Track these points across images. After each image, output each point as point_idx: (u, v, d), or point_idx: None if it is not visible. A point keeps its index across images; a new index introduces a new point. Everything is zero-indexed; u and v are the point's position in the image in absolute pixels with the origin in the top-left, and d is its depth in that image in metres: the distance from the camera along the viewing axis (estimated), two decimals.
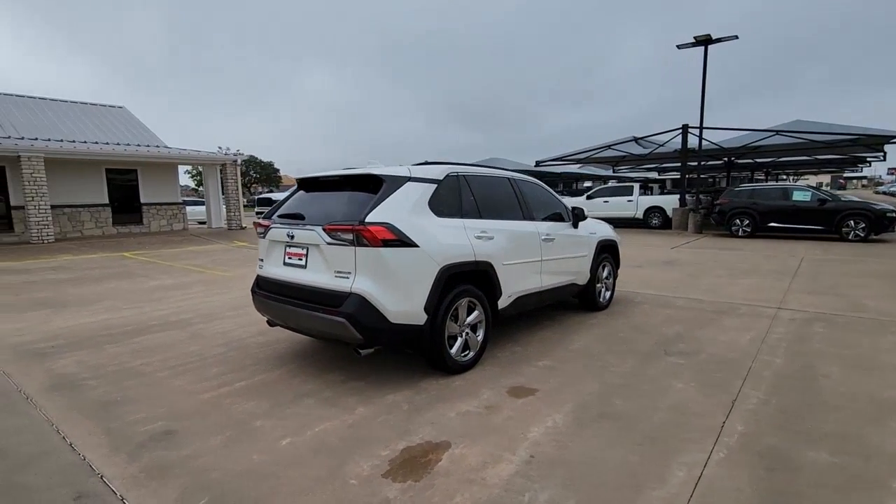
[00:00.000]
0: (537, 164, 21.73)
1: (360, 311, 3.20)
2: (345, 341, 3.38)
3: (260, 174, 68.18)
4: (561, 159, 20.64)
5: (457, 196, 3.90)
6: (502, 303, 4.12)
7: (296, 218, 3.75)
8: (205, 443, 2.74)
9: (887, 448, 2.59)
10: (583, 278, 5.34)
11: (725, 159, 21.65)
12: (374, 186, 3.54)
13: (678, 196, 17.26)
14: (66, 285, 7.81)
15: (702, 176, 19.78)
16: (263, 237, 3.96)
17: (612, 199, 18.96)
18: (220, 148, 62.95)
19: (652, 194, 19.36)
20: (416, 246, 3.36)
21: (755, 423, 2.87)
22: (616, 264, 6.06)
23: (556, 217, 5.05)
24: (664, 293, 6.59)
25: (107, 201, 16.38)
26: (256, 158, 66.93)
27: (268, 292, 3.85)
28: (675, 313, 5.53)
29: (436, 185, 3.75)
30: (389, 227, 3.27)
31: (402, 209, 3.44)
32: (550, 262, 4.71)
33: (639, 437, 2.73)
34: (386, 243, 3.23)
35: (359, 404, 3.21)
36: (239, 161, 18.31)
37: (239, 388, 3.53)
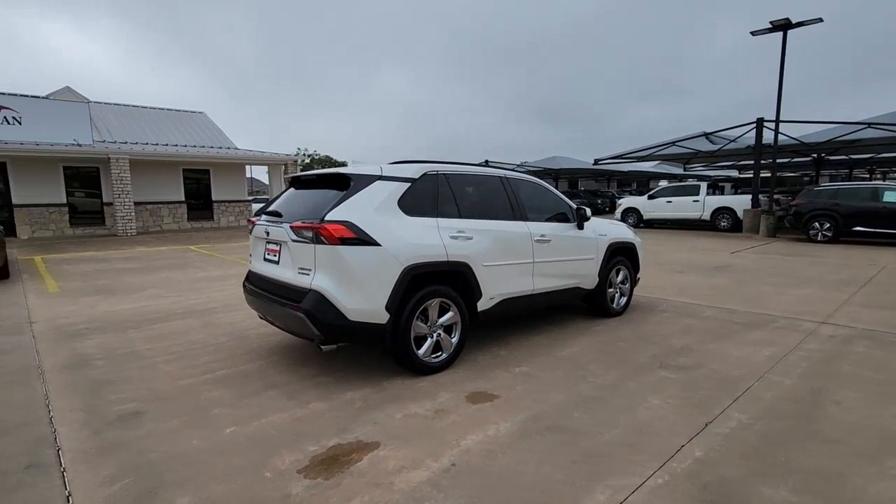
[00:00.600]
0: (596, 162, 20.88)
1: (318, 307, 3.26)
2: (306, 337, 3.46)
3: None
4: (621, 157, 19.67)
5: (433, 195, 3.84)
6: (483, 305, 4.01)
7: (275, 215, 3.89)
8: (161, 425, 2.92)
9: (868, 492, 2.21)
10: (589, 282, 5.05)
11: (814, 156, 19.53)
12: (344, 185, 3.58)
13: (751, 196, 15.84)
14: (127, 274, 8.66)
15: (789, 174, 18.04)
16: (251, 233, 4.15)
17: (675, 200, 17.79)
18: (298, 149, 66.37)
19: (723, 194, 17.94)
20: (378, 245, 3.36)
21: (719, 450, 2.57)
22: (635, 268, 5.68)
23: (558, 218, 4.83)
24: (697, 301, 6.08)
25: (183, 198, 17.99)
26: (332, 158, 70.09)
27: (253, 286, 4.03)
28: (695, 323, 5.08)
29: (409, 184, 3.72)
30: (349, 226, 3.29)
31: (367, 208, 3.45)
32: (546, 264, 4.51)
33: (579, 454, 2.55)
34: (344, 241, 3.26)
35: (316, 399, 3.27)
36: (298, 161, 19.28)
37: (218, 376, 3.73)
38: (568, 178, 40.20)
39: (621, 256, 5.46)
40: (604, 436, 2.74)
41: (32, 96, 14.63)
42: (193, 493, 2.23)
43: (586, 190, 35.67)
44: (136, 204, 16.16)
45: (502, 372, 3.75)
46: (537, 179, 4.88)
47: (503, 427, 2.85)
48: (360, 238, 3.31)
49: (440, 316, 3.75)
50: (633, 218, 18.87)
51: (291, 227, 3.46)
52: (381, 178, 3.63)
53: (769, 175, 15.98)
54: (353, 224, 3.31)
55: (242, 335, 4.78)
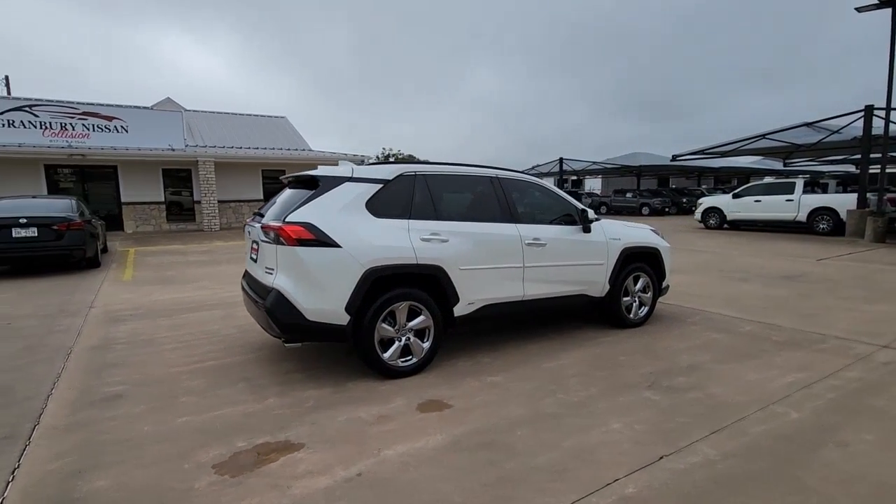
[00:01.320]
0: (674, 158, 19.37)
1: (278, 306, 3.35)
2: (273, 334, 3.56)
3: None
4: (702, 152, 18.05)
5: (408, 197, 3.78)
6: (461, 310, 3.87)
7: (259, 216, 4.05)
8: (130, 409, 3.17)
9: None
10: (597, 289, 4.69)
11: None
12: (315, 187, 3.64)
13: (857, 195, 13.80)
14: (192, 266, 9.54)
15: None
16: (245, 232, 4.37)
17: (765, 199, 15.98)
18: (382, 149, 68.67)
19: (826, 192, 15.80)
20: (338, 246, 3.37)
21: (657, 490, 2.25)
22: (659, 275, 5.17)
23: (561, 220, 4.54)
24: (740, 314, 5.42)
25: (262, 197, 19.45)
26: (414, 157, 71.96)
27: (244, 284, 4.24)
28: (722, 339, 4.53)
29: (380, 186, 3.69)
30: (308, 227, 3.34)
31: (331, 209, 3.48)
32: (540, 269, 4.25)
33: (495, 476, 2.37)
34: (301, 242, 3.31)
35: (276, 395, 3.37)
36: (365, 161, 19.99)
37: (207, 366, 3.97)
38: (656, 175, 37.64)
39: (641, 263, 5.00)
40: (536, 459, 2.52)
41: (137, 107, 16.67)
42: (114, 478, 2.39)
43: (675, 188, 33.07)
44: (220, 202, 17.78)
45: (473, 380, 3.60)
46: (538, 180, 4.62)
47: (436, 439, 2.73)
48: (319, 239, 3.34)
49: (410, 319, 3.68)
50: (716, 219, 17.27)
51: (261, 228, 3.59)
52: (350, 179, 3.64)
53: (878, 171, 13.77)
54: (313, 225, 3.35)
55: (250, 328, 5.05)
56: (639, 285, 5.01)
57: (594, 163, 31.22)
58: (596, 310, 4.96)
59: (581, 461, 2.49)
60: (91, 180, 16.73)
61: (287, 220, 3.37)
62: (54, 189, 15.96)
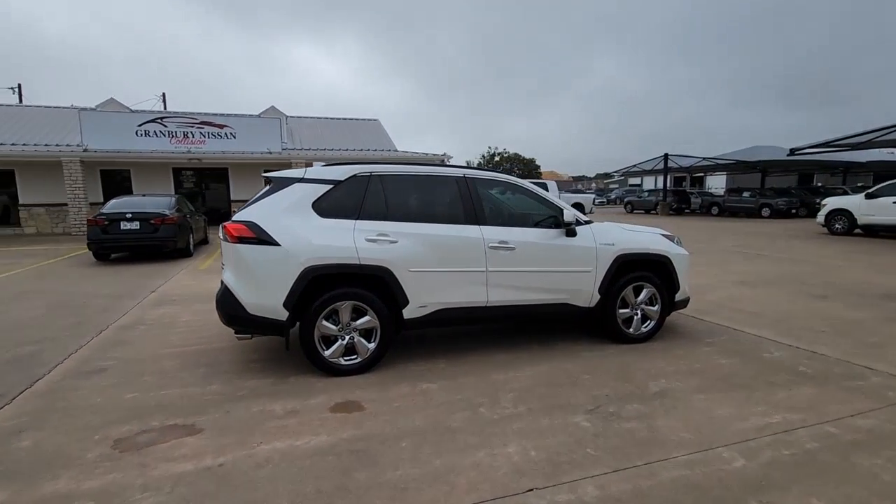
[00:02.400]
0: (792, 152, 16.79)
1: (223, 299, 3.58)
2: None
3: (522, 171, 72.10)
4: (825, 145, 15.41)
5: (359, 197, 3.79)
6: (411, 313, 3.80)
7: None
8: (100, 382, 3.62)
9: None
10: (583, 298, 4.28)
11: None
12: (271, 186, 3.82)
13: None
14: None
15: None
16: None
17: None
18: (489, 147, 68.85)
19: None
20: (277, 244, 3.50)
21: None
22: (670, 287, 4.56)
23: (543, 223, 4.21)
24: (779, 337, 4.60)
25: None
26: (520, 156, 71.31)
27: None
28: (727, 364, 3.89)
29: (330, 187, 3.76)
30: (250, 226, 3.52)
31: (276, 209, 3.63)
32: (507, 273, 4.01)
33: (336, 484, 2.30)
34: (242, 240, 3.50)
35: (222, 381, 3.60)
36: (445, 160, 20.28)
37: (191, 350, 4.36)
38: (797, 172, 32.60)
39: (644, 271, 4.46)
40: (391, 473, 2.40)
41: (243, 115, 18.75)
42: (37, 440, 2.76)
43: (810, 188, 28.45)
44: None
45: (406, 386, 3.52)
46: (518, 181, 4.34)
47: (318, 440, 2.73)
48: (259, 237, 3.51)
49: (356, 319, 3.70)
50: (843, 223, 14.69)
51: (222, 227, 3.86)
52: (301, 180, 3.76)
53: None
54: (254, 224, 3.53)
55: None
56: (641, 296, 4.47)
57: (704, 158, 28.23)
58: (591, 321, 4.53)
59: (435, 482, 2.32)
60: (207, 181, 19.22)
61: (234, 218, 3.60)
62: (180, 188, 18.63)
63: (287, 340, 3.68)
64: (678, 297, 4.62)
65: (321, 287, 3.61)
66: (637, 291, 4.46)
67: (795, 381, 3.56)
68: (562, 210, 4.22)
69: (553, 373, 3.75)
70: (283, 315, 3.54)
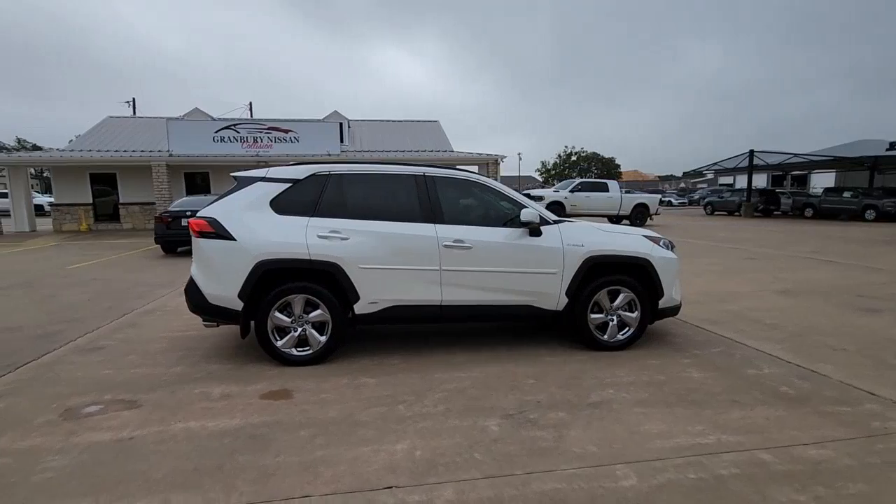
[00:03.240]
0: (892, 146, 14.68)
1: (189, 288, 3.88)
2: None
3: (600, 170, 69.52)
4: None
5: (316, 195, 3.93)
6: (363, 308, 3.88)
7: None
8: (91, 359, 4.06)
9: None
10: (550, 301, 4.10)
11: None
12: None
13: None
14: None
15: None
16: None
17: None
18: (565, 147, 66.96)
19: None
20: (234, 239, 3.74)
21: None
22: (652, 291, 4.23)
23: (508, 223, 4.09)
24: (783, 353, 4.13)
25: None
26: (598, 155, 68.75)
27: None
28: (699, 378, 3.56)
29: (288, 185, 3.93)
30: (210, 221, 3.78)
31: (236, 206, 3.87)
32: (463, 273, 3.95)
33: (214, 465, 2.43)
34: (202, 234, 3.78)
35: (188, 364, 3.90)
36: (499, 161, 20.10)
37: (183, 335, 4.76)
38: None
39: (620, 275, 4.18)
40: (274, 459, 2.49)
41: (305, 120, 19.90)
42: (10, 402, 3.19)
43: None
44: None
45: (348, 378, 3.60)
46: (484, 180, 4.25)
47: (231, 423, 2.89)
48: (217, 232, 3.76)
49: (309, 312, 3.85)
50: None
51: None
52: (263, 179, 3.97)
53: None
54: (214, 219, 3.79)
55: None
56: (617, 301, 4.20)
57: (795, 155, 25.44)
58: (564, 325, 4.34)
59: (304, 472, 2.38)
60: None
61: (198, 214, 3.89)
62: None
63: (242, 329, 3.91)
64: (662, 303, 4.28)
65: (275, 280, 3.80)
66: (613, 296, 4.20)
67: (765, 401, 3.18)
68: (526, 209, 4.07)
69: (499, 375, 3.65)
70: (238, 305, 3.77)
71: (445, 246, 3.93)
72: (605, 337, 4.20)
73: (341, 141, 20.99)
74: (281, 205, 3.89)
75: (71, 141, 24.95)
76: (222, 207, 3.89)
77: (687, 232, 16.48)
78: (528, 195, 22.43)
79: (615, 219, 21.23)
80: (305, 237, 3.78)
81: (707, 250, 11.46)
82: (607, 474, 2.35)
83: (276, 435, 2.75)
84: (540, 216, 4.08)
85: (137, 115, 30.15)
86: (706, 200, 33.41)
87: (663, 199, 53.27)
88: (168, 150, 18.35)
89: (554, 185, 32.18)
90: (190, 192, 19.40)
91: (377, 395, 3.31)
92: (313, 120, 20.52)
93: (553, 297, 4.10)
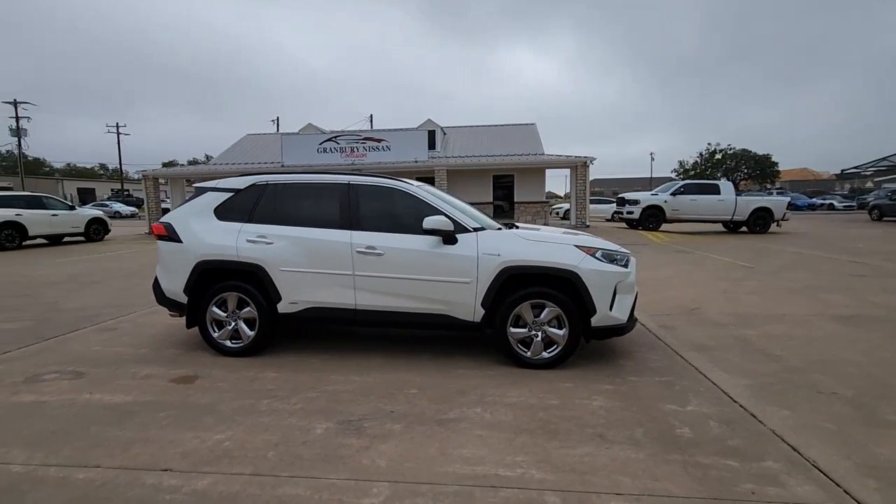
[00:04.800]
0: None
1: (154, 283, 4.53)
2: None
3: (752, 169, 61.89)
4: None
5: (252, 203, 4.31)
6: (285, 308, 4.16)
7: None
8: (99, 337, 4.95)
9: None
10: (465, 312, 3.96)
11: None
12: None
13: None
14: None
15: None
16: None
17: None
18: (708, 145, 60.73)
19: None
20: (181, 241, 4.29)
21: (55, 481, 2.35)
22: (582, 307, 3.84)
23: (417, 230, 4.02)
24: (741, 394, 3.49)
25: (491, 200, 21.21)
26: (749, 152, 61.12)
27: None
28: (591, 408, 3.19)
29: (231, 194, 4.38)
30: (165, 226, 4.39)
31: (187, 212, 4.42)
32: (375, 279, 4.02)
33: (74, 429, 2.90)
34: (160, 237, 4.39)
35: (154, 347, 4.56)
36: (588, 163, 18.99)
37: (180, 323, 5.52)
38: None
39: (545, 287, 3.87)
40: (114, 433, 2.88)
41: (396, 129, 21.03)
42: (8, 365, 4.09)
43: None
44: None
45: (254, 372, 3.89)
46: (408, 188, 4.19)
47: (120, 398, 3.37)
48: (170, 235, 4.34)
49: (241, 308, 4.26)
50: None
51: None
52: (213, 189, 4.47)
53: None
54: (168, 224, 4.38)
55: None
56: (542, 316, 3.89)
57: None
58: (488, 337, 4.14)
59: (117, 447, 2.71)
60: None
61: (160, 220, 4.53)
62: None
63: (187, 320, 4.43)
64: (597, 321, 3.85)
65: (213, 279, 4.27)
66: (538, 310, 3.90)
67: (639, 441, 2.75)
68: (451, 218, 3.98)
69: (389, 382, 3.66)
70: (184, 299, 4.31)
71: (359, 252, 4.04)
72: (529, 354, 3.92)
73: (433, 147, 21.79)
74: (222, 212, 4.36)
75: (214, 157, 29.63)
76: (176, 214, 4.49)
77: (818, 242, 13.92)
78: (621, 199, 20.93)
79: (730, 225, 18.78)
80: (236, 241, 4.19)
81: (816, 263, 9.68)
82: (363, 490, 2.29)
83: (142, 412, 3.15)
84: (456, 224, 3.97)
85: (281, 130, 34.67)
86: (872, 204, 27.84)
87: (822, 201, 45.46)
88: (281, 162, 20.84)
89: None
90: None
91: (261, 389, 3.55)
92: (404, 129, 21.62)
93: (468, 307, 3.96)
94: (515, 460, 2.55)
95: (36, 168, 68.90)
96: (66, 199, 28.33)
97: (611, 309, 3.87)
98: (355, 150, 20.50)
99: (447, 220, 3.93)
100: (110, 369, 3.99)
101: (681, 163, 64.65)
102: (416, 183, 4.40)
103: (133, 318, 5.71)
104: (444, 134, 23.99)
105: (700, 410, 3.14)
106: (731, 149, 61.23)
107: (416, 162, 19.90)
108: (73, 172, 70.52)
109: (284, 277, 4.12)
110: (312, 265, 4.11)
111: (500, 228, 4.24)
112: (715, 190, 18.30)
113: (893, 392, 3.38)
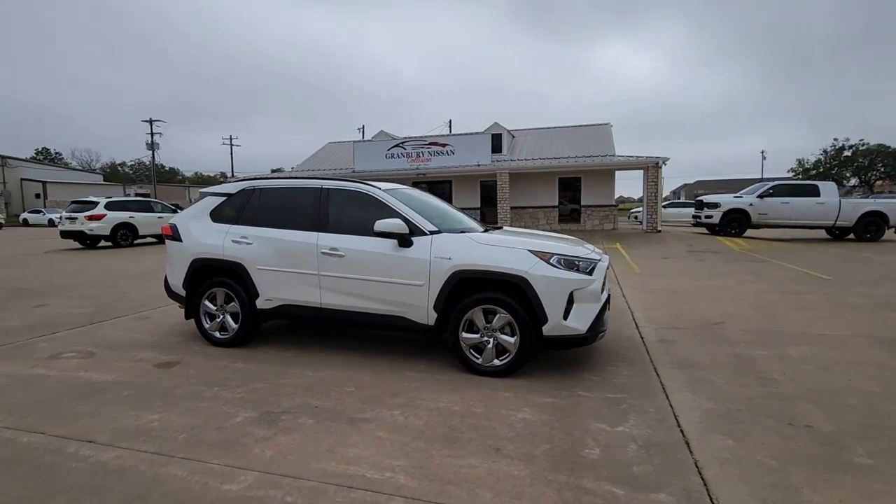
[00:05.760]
0: None
1: (165, 279, 5.07)
2: None
3: (890, 167, 54.27)
4: None
5: (241, 206, 4.67)
6: (261, 304, 4.46)
7: None
8: (130, 324, 5.65)
9: None
10: (419, 314, 3.97)
11: None
12: None
13: None
14: None
15: None
16: None
17: None
18: (835, 140, 54.43)
19: None
20: (182, 241, 4.77)
21: None
22: (533, 315, 3.67)
23: (387, 234, 4.09)
24: (691, 421, 3.15)
25: (556, 203, 20.57)
26: (887, 147, 53.49)
27: None
28: (522, 421, 3.06)
29: (224, 198, 4.78)
30: (171, 227, 4.89)
31: (190, 215, 4.89)
32: (338, 279, 4.17)
33: (48, 401, 3.37)
34: (168, 238, 4.91)
35: (163, 335, 5.11)
36: (661, 164, 17.68)
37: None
38: None
39: (495, 293, 3.77)
40: (70, 409, 3.31)
41: (459, 134, 21.19)
42: (47, 343, 4.83)
43: None
44: (514, 208, 20.17)
45: (227, 361, 4.20)
46: (372, 192, 4.26)
47: (103, 377, 3.83)
48: (175, 235, 4.84)
49: (228, 303, 4.64)
50: None
51: None
52: (211, 194, 4.91)
53: None
54: (174, 225, 4.89)
55: None
56: (494, 322, 3.78)
57: None
58: (437, 338, 4.11)
59: (72, 417, 3.11)
60: (436, 192, 22.61)
61: (169, 221, 5.06)
62: None
63: (185, 311, 4.89)
64: (549, 330, 3.66)
65: (206, 275, 4.70)
66: (488, 317, 3.81)
67: (537, 458, 2.60)
68: (408, 221, 4.02)
69: (334, 379, 3.78)
70: (183, 292, 4.79)
71: (323, 253, 4.22)
72: (480, 360, 3.83)
73: (499, 151, 21.67)
74: (216, 214, 4.77)
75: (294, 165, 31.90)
76: (180, 216, 4.99)
77: None
78: (699, 201, 19.16)
79: (834, 231, 16.49)
80: (223, 241, 4.58)
81: None
82: (232, 476, 2.43)
83: (111, 390, 3.58)
84: (411, 227, 4.00)
85: (365, 137, 36.56)
86: None
87: None
88: (352, 168, 21.99)
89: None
90: None
91: (219, 377, 3.85)
92: (468, 134, 21.74)
93: (421, 310, 3.96)
94: (392, 464, 2.54)
95: (171, 177, 79.39)
96: (191, 203, 32.27)
97: (565, 318, 3.66)
98: (420, 154, 21.04)
99: (401, 222, 3.96)
100: (117, 352, 4.54)
101: (800, 161, 58.16)
102: (385, 186, 4.49)
103: (165, 310, 6.40)
104: (513, 137, 23.75)
105: (629, 432, 2.87)
106: (863, 144, 53.77)
107: (479, 165, 19.93)
108: (200, 180, 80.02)
109: (261, 276, 4.42)
110: (284, 265, 4.36)
111: (485, 231, 4.24)
112: (812, 191, 16.17)
113: (882, 432, 2.83)
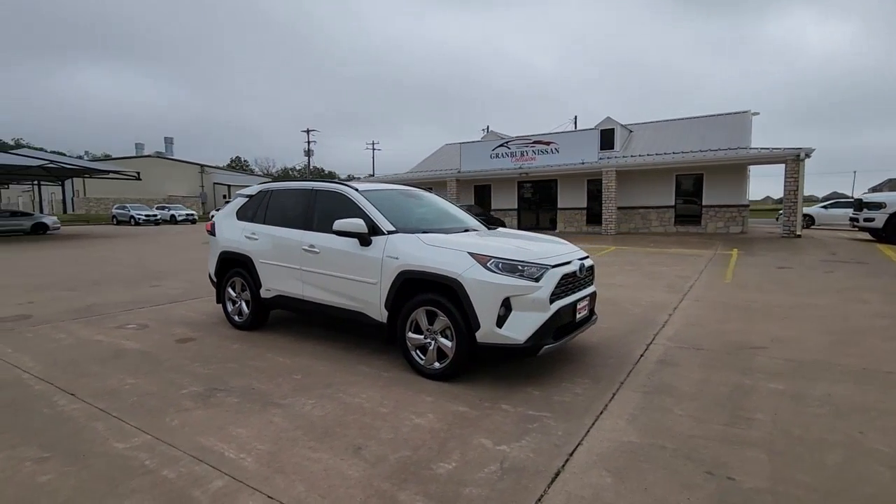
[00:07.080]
0: None
1: (209, 269, 5.93)
2: None
3: None
4: None
5: (257, 206, 5.26)
6: (263, 294, 4.99)
7: None
8: (193, 305, 6.72)
9: None
10: (374, 311, 4.08)
11: None
12: None
13: None
14: None
15: None
16: None
17: None
18: None
19: None
20: (215, 236, 5.55)
21: None
22: (466, 319, 3.53)
23: (348, 232, 4.25)
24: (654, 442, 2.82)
25: (672, 203, 18.48)
26: None
27: None
28: (418, 426, 3.05)
29: (247, 199, 5.42)
30: (211, 224, 5.70)
31: (223, 214, 5.64)
32: (314, 274, 4.49)
33: (69, 361, 4.25)
34: (209, 232, 5.72)
35: (209, 315, 5.99)
36: (801, 156, 14.75)
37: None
38: None
39: (436, 295, 3.71)
40: (82, 382, 4.12)
41: (564, 132, 20.18)
42: (128, 315, 6.00)
43: None
44: (621, 208, 18.65)
45: (230, 342, 4.81)
46: (349, 192, 4.44)
47: (130, 345, 4.67)
48: (212, 231, 5.64)
49: (242, 291, 5.28)
50: None
51: None
52: (240, 195, 5.60)
53: None
54: (213, 223, 5.69)
55: None
56: (435, 325, 3.74)
57: None
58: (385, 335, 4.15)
59: (78, 375, 3.89)
60: (540, 191, 21.99)
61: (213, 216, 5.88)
62: (520, 199, 22.29)
63: (216, 297, 5.65)
64: (482, 336, 3.50)
65: (228, 265, 5.40)
66: (430, 318, 3.77)
67: (383, 461, 2.57)
68: (370, 220, 4.16)
69: (293, 366, 4.09)
70: (215, 280, 5.57)
71: (304, 249, 4.57)
72: (423, 361, 3.82)
73: (611, 147, 20.27)
74: (240, 213, 5.45)
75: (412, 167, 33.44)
76: (218, 215, 5.77)
77: None
78: (859, 201, 15.56)
79: None
80: (240, 237, 5.22)
81: None
82: (129, 435, 2.85)
83: (126, 357, 4.36)
84: (372, 226, 4.11)
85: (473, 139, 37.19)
86: None
87: None
88: (459, 168, 22.52)
89: None
90: (478, 201, 23.19)
91: (207, 354, 4.42)
92: (573, 131, 20.75)
93: (375, 307, 4.07)
94: (255, 448, 2.73)
95: (330, 178, 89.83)
96: None
97: (499, 325, 3.46)
98: (525, 153, 20.69)
99: (361, 222, 4.11)
100: (164, 327, 5.47)
101: None
102: (365, 187, 4.67)
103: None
104: (630, 132, 21.98)
105: (507, 452, 2.66)
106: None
107: (583, 163, 18.91)
108: (351, 181, 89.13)
109: (263, 268, 4.95)
110: (278, 259, 4.82)
111: (476, 230, 4.34)
112: None
113: (832, 502, 2.17)
